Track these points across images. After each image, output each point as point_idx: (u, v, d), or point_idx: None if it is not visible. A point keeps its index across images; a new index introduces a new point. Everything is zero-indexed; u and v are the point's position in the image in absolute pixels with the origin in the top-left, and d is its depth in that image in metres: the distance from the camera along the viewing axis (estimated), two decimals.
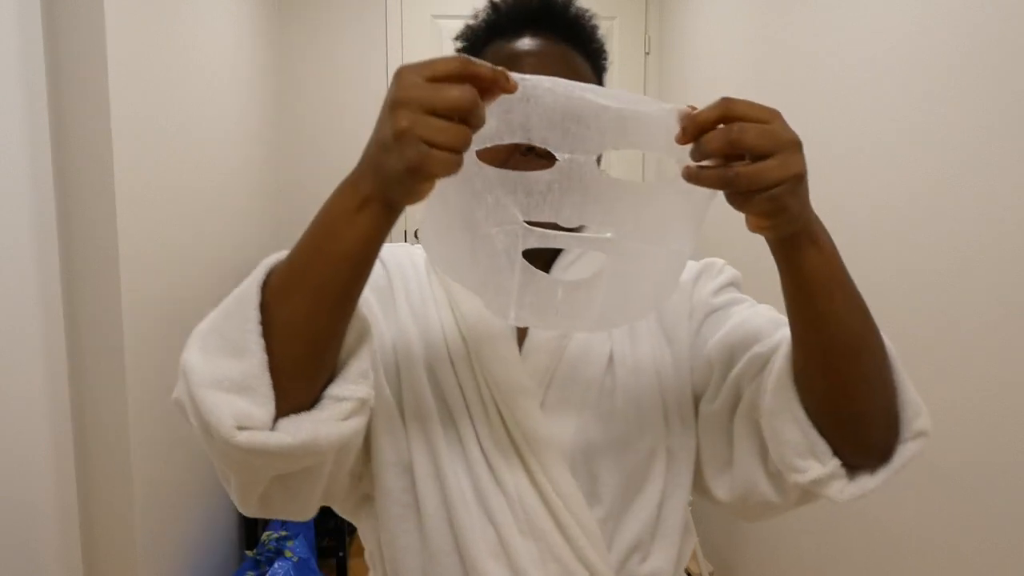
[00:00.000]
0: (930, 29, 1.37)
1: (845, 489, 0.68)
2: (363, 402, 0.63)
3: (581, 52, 0.80)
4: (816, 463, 0.67)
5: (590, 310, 0.67)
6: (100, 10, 1.56)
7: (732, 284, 0.86)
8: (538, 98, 0.57)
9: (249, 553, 2.26)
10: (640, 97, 0.59)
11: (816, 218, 0.62)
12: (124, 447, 1.70)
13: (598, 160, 0.72)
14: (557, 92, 0.57)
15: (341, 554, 2.61)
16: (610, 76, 0.86)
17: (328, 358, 0.62)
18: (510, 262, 0.63)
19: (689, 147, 0.58)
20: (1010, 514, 1.21)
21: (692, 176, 0.58)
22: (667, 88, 3.15)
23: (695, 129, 0.57)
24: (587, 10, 0.83)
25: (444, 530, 0.76)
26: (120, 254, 1.64)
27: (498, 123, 0.57)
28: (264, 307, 0.59)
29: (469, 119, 0.53)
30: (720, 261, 0.88)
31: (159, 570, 1.89)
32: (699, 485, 0.83)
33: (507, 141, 0.58)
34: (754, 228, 0.61)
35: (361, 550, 3.21)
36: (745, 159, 0.56)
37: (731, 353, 0.77)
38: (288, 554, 2.19)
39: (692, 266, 0.86)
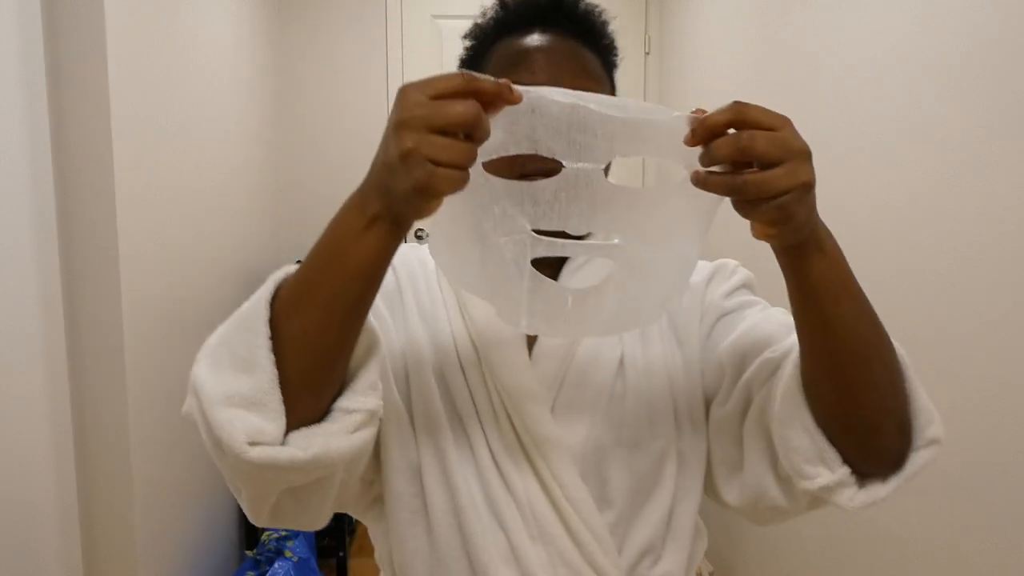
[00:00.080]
0: (930, 29, 1.37)
1: (855, 497, 0.67)
2: (372, 414, 0.63)
3: (591, 48, 0.80)
4: (825, 470, 0.67)
5: (599, 316, 0.67)
6: (100, 10, 1.56)
7: (745, 286, 0.85)
8: (543, 109, 0.57)
9: (249, 553, 2.26)
10: (647, 105, 0.59)
11: (822, 225, 0.61)
12: (124, 447, 1.70)
13: (608, 168, 0.72)
14: (562, 102, 0.57)
15: (341, 554, 2.61)
16: None
17: (337, 371, 0.62)
18: (519, 271, 0.64)
19: (698, 152, 0.58)
20: (1011, 515, 1.21)
21: (700, 181, 0.57)
22: (667, 88, 3.15)
23: (705, 132, 0.57)
24: (597, 6, 0.82)
25: (453, 535, 0.76)
26: (120, 254, 1.64)
27: (504, 135, 0.58)
28: (273, 322, 0.60)
29: (473, 134, 0.54)
30: (733, 262, 0.87)
31: (159, 570, 1.89)
32: (710, 488, 0.83)
33: (513, 152, 0.59)
34: (759, 235, 0.60)
35: (361, 550, 3.21)
36: (753, 166, 0.56)
37: (742, 357, 0.77)
38: (288, 554, 2.19)
39: (705, 267, 0.85)
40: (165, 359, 1.87)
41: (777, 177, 0.55)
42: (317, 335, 0.59)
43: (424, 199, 0.54)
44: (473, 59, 0.83)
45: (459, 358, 0.79)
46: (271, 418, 0.58)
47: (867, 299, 0.64)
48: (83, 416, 1.67)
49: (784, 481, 0.73)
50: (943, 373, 1.34)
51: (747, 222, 0.60)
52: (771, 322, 0.77)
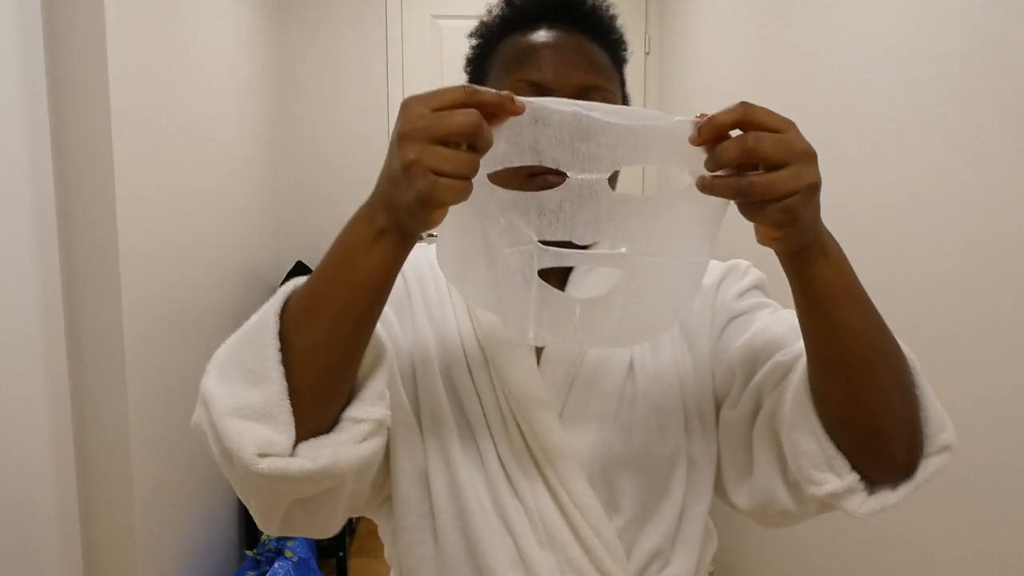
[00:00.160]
0: (930, 29, 1.37)
1: (864, 504, 0.66)
2: (380, 423, 0.64)
3: (599, 43, 0.79)
4: (834, 476, 0.66)
5: (608, 327, 0.67)
6: (100, 10, 1.56)
7: (757, 287, 0.84)
8: (546, 119, 0.57)
9: (249, 553, 2.26)
10: (649, 112, 0.59)
11: (825, 229, 0.61)
12: (124, 447, 1.70)
13: (615, 177, 0.72)
14: (564, 111, 0.57)
15: (341, 554, 2.61)
16: None
17: (346, 382, 0.63)
18: (526, 282, 0.64)
19: (703, 159, 0.58)
20: (1015, 519, 1.21)
21: (706, 186, 0.57)
22: (667, 88, 3.15)
23: (712, 130, 0.57)
24: (604, 0, 0.81)
25: (460, 540, 0.76)
26: (120, 254, 1.64)
27: (508, 146, 0.58)
28: (283, 334, 0.60)
29: (475, 143, 0.54)
30: (745, 263, 0.86)
31: (159, 570, 1.89)
32: (719, 492, 0.82)
33: (518, 164, 0.59)
34: (764, 240, 0.60)
35: (361, 550, 3.20)
36: (759, 170, 0.56)
37: (753, 361, 0.76)
38: (288, 554, 2.19)
39: (716, 268, 0.85)
40: (165, 359, 1.87)
41: (783, 179, 0.55)
42: (326, 346, 0.60)
43: (427, 209, 0.55)
44: (479, 57, 0.82)
45: (467, 360, 0.78)
46: (281, 429, 0.58)
47: (872, 303, 0.64)
48: (83, 416, 1.67)
49: (793, 486, 0.72)
50: (944, 374, 1.34)
51: (747, 228, 0.60)
52: (782, 325, 0.76)
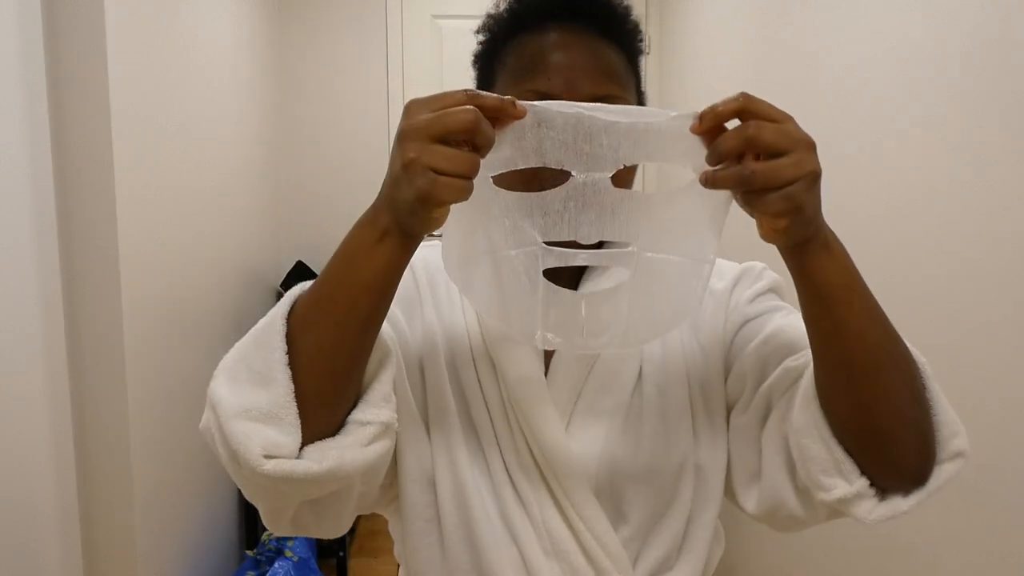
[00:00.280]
0: (930, 29, 1.37)
1: (874, 510, 0.65)
2: (386, 426, 0.64)
3: (611, 38, 0.77)
4: (842, 482, 0.65)
5: (616, 327, 0.66)
6: (100, 10, 1.56)
7: (771, 290, 0.82)
8: (549, 122, 0.57)
9: (249, 553, 2.26)
10: (649, 109, 0.59)
11: (828, 227, 0.61)
12: (124, 447, 1.70)
13: (631, 174, 0.71)
14: (567, 113, 0.57)
15: (341, 554, 2.61)
16: None
17: (352, 384, 0.63)
18: (532, 284, 0.64)
19: (704, 154, 0.58)
20: (1018, 520, 1.21)
21: (709, 180, 0.58)
22: (667, 88, 3.15)
23: (713, 118, 0.57)
24: None
25: (466, 547, 0.76)
26: (120, 254, 1.64)
27: (511, 150, 0.58)
28: (289, 337, 0.60)
29: (475, 140, 0.54)
30: (760, 265, 0.84)
31: (159, 570, 1.89)
32: (729, 495, 0.81)
33: (522, 166, 0.59)
34: (767, 233, 0.59)
35: (361, 550, 3.20)
36: (760, 160, 0.56)
37: (764, 365, 0.75)
38: (288, 554, 2.19)
39: (731, 271, 0.84)
40: (165, 359, 1.87)
41: (784, 166, 0.55)
42: (332, 348, 0.60)
43: (427, 208, 0.55)
44: (487, 55, 0.80)
45: (473, 357, 0.78)
46: (287, 431, 0.58)
47: (878, 304, 0.63)
48: (83, 416, 1.66)
49: (802, 491, 0.71)
50: (943, 374, 1.34)
51: (751, 230, 0.60)
52: (795, 329, 0.74)
